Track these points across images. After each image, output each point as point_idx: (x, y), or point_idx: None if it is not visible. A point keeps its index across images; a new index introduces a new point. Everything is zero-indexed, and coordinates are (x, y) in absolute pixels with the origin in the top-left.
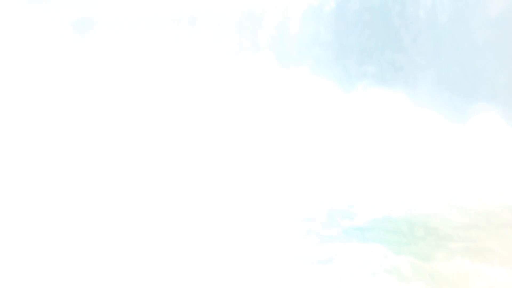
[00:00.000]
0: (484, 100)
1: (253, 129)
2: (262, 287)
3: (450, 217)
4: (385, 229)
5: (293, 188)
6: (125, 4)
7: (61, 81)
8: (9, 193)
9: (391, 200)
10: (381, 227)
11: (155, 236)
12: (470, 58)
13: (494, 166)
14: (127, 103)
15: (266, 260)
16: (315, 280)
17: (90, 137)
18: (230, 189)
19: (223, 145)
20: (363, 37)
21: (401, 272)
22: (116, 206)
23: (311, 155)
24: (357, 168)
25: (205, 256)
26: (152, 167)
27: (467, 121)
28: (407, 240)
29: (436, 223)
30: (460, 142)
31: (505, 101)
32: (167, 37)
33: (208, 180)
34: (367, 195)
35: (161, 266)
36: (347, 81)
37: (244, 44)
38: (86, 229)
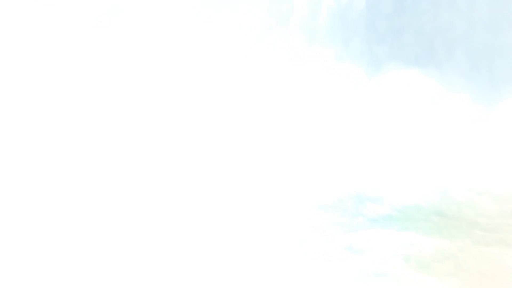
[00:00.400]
0: None
1: (275, 111)
2: (290, 280)
3: (482, 205)
4: (414, 217)
5: (318, 174)
6: None
7: (89, 66)
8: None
9: (420, 186)
10: (410, 215)
11: (167, 233)
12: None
13: None
14: (157, 81)
15: (292, 252)
16: (342, 271)
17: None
18: (251, 176)
19: (242, 126)
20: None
21: (432, 263)
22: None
23: (338, 140)
24: (384, 153)
25: (227, 247)
26: (180, 142)
27: (499, 104)
28: (438, 229)
29: (468, 211)
30: (492, 126)
31: None
32: (197, 14)
33: (227, 164)
34: (394, 182)
35: (173, 262)
36: (374, 65)
37: (275, 23)
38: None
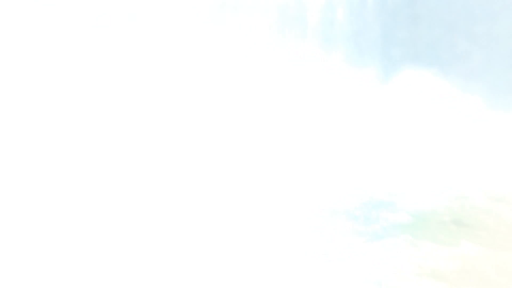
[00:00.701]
0: None
1: (289, 115)
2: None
3: (500, 213)
4: (430, 225)
5: (332, 180)
6: None
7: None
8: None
9: (435, 192)
10: (426, 223)
11: (166, 234)
12: None
13: None
14: (168, 85)
15: (304, 261)
16: (355, 281)
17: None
18: (264, 182)
19: (257, 131)
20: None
21: (448, 274)
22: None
23: (352, 144)
24: (399, 158)
25: (242, 254)
26: (186, 147)
27: None
28: (456, 237)
29: (486, 219)
30: (510, 131)
31: None
32: (211, 21)
33: (239, 170)
34: (410, 187)
35: (178, 264)
36: (387, 70)
37: (289, 30)
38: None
